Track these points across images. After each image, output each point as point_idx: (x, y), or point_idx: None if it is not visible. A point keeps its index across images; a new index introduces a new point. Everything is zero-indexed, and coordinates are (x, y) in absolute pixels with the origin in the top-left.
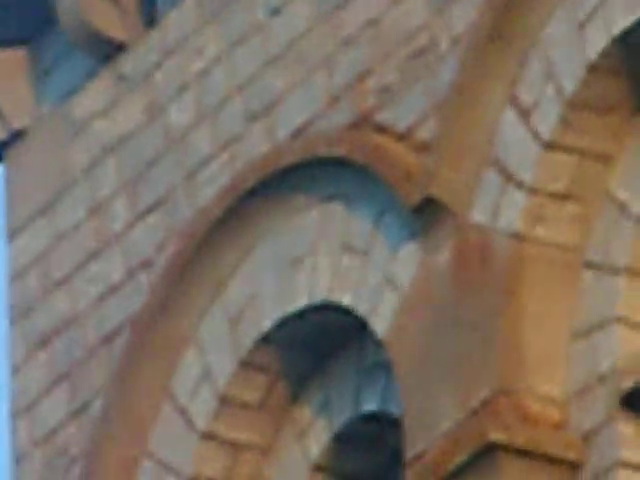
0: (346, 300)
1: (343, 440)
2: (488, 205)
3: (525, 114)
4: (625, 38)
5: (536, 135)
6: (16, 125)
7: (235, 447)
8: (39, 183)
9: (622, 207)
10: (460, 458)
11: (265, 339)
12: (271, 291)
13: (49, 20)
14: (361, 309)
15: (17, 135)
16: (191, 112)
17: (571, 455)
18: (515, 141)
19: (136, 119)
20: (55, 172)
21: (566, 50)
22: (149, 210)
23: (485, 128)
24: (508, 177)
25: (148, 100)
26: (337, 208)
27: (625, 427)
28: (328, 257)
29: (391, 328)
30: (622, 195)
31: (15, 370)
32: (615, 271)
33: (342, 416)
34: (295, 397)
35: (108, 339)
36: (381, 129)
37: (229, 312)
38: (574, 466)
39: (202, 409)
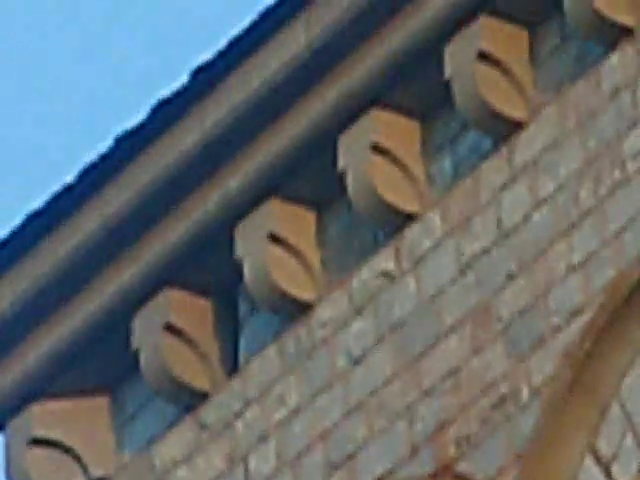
0: None
1: None
2: None
3: (605, 464)
4: None
5: None
6: (97, 474)
7: None
8: None
9: None
10: None
11: None
12: None
13: (131, 368)
14: None
15: None
16: (272, 461)
17: None
18: None
19: (217, 467)
20: None
21: None
22: None
23: (565, 478)
24: None
25: (229, 449)
26: None
27: None
28: None
29: None
30: None
31: None
32: None
33: None
34: None
35: None
36: (462, 479)
37: None
38: None
39: None
